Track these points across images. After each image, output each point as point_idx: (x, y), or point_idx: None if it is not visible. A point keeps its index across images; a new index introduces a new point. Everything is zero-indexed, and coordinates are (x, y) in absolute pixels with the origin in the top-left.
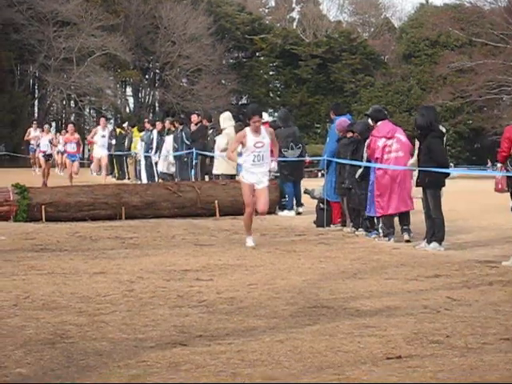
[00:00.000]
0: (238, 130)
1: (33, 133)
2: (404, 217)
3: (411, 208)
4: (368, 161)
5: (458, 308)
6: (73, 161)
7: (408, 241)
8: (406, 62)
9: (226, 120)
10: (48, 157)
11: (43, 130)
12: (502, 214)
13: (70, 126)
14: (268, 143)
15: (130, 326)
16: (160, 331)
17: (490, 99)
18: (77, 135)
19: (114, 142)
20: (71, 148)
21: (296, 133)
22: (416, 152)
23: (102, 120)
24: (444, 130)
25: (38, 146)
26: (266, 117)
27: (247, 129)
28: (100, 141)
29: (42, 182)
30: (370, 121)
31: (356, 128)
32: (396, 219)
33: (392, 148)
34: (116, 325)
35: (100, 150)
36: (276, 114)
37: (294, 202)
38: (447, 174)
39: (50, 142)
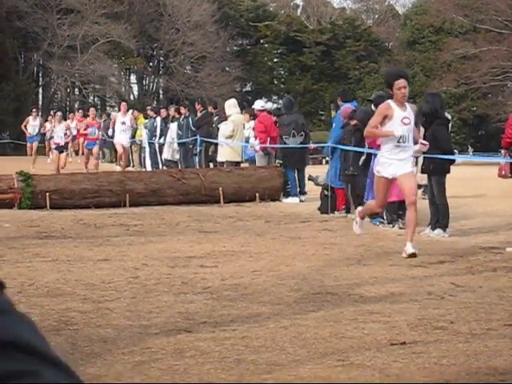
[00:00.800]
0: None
1: (31, 121)
2: (402, 204)
3: None
4: (370, 147)
5: (462, 294)
6: (89, 149)
7: (402, 228)
8: (410, 49)
9: (231, 107)
10: (62, 149)
11: (47, 120)
12: (506, 200)
13: (92, 110)
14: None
15: (135, 313)
16: (164, 318)
17: (494, 86)
18: (98, 120)
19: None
20: (92, 133)
21: (299, 120)
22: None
23: (123, 105)
24: (449, 117)
25: (52, 138)
26: (259, 104)
27: (390, 101)
28: (119, 127)
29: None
30: (373, 107)
31: (357, 115)
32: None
33: None
34: (120, 311)
35: (120, 138)
36: (281, 101)
37: (298, 189)
38: (452, 161)
39: (66, 133)
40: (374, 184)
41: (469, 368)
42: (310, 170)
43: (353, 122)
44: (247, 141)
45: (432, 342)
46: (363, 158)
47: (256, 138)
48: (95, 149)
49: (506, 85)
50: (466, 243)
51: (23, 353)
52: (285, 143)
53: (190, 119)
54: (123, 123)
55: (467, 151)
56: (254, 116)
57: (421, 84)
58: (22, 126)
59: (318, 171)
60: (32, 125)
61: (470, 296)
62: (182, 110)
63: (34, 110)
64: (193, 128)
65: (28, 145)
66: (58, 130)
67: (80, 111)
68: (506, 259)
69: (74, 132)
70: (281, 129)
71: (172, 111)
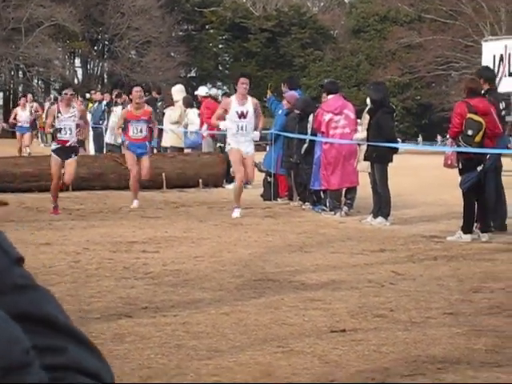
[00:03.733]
0: (186, 102)
1: (20, 112)
2: (349, 191)
3: (355, 184)
4: (314, 134)
5: (403, 282)
6: (22, 133)
7: (346, 214)
8: (355, 37)
9: (179, 92)
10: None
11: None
12: (448, 190)
13: (23, 99)
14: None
15: (76, 298)
16: (105, 303)
17: (438, 75)
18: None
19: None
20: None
21: None
22: (364, 127)
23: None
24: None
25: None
26: (203, 91)
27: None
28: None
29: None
30: (324, 94)
31: (297, 106)
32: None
33: (339, 124)
34: (61, 296)
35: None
36: (225, 87)
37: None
38: (395, 150)
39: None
40: (319, 171)
41: (408, 356)
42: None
43: (297, 110)
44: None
45: (372, 330)
46: (305, 145)
47: (202, 124)
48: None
49: (450, 74)
50: (407, 232)
51: (51, 328)
52: None
53: None
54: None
55: (417, 141)
56: (191, 105)
57: (365, 72)
58: (11, 120)
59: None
60: (22, 115)
61: (410, 284)
62: (124, 96)
63: (22, 98)
64: None
65: (18, 135)
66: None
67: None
68: (446, 248)
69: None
70: None
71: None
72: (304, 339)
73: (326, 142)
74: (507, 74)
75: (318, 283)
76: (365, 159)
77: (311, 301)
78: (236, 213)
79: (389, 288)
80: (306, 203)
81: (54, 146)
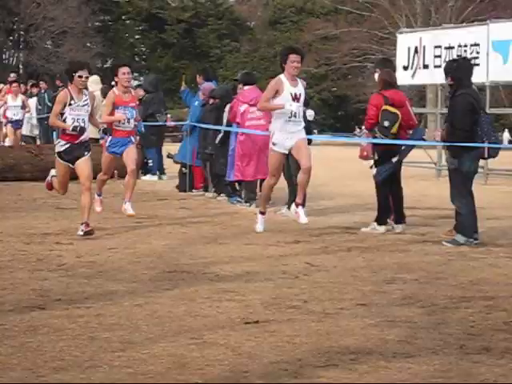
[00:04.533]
0: (105, 92)
1: (11, 102)
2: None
3: None
4: (229, 125)
5: (317, 274)
6: None
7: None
8: (272, 29)
9: (94, 83)
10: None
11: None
12: (363, 182)
13: None
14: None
15: None
16: (18, 294)
17: (354, 67)
18: None
19: None
20: None
21: (162, 98)
22: None
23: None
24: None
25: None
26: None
27: (282, 75)
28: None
29: None
30: (240, 85)
31: (216, 93)
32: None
33: (254, 115)
34: None
35: None
36: (142, 78)
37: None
38: (309, 141)
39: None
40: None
41: (321, 347)
42: (169, 148)
43: (211, 101)
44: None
45: (285, 321)
46: (220, 135)
47: None
48: None
49: (366, 66)
50: (322, 223)
51: None
52: (156, 121)
53: (47, 94)
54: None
55: (353, 132)
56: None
57: None
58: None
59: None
60: (13, 106)
61: (324, 276)
62: (42, 85)
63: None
64: (49, 104)
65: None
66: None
67: None
68: (361, 239)
69: None
70: (151, 106)
71: (29, 86)
72: (217, 331)
73: (241, 134)
74: (422, 66)
75: (233, 275)
76: None
77: (225, 292)
78: (260, 226)
79: (303, 279)
80: (221, 195)
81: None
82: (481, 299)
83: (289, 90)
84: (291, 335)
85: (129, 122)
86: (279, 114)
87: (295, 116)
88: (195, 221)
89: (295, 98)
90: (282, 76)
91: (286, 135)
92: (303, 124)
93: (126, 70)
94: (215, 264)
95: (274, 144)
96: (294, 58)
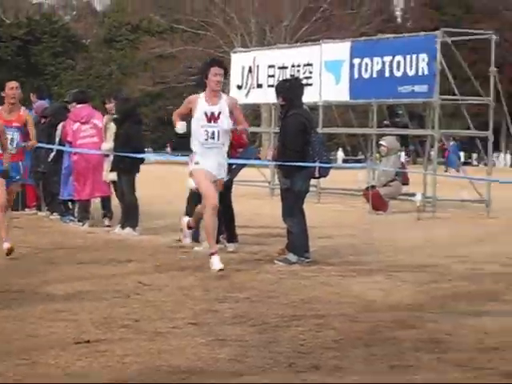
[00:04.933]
0: None
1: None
2: (105, 203)
3: (107, 193)
4: (62, 144)
5: (149, 293)
6: None
7: (108, 226)
8: (108, 47)
9: None
10: None
11: None
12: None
13: None
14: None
15: None
16: None
17: (189, 85)
18: None
19: None
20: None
21: None
22: (110, 137)
23: None
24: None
25: None
26: None
27: (201, 93)
28: None
29: None
30: (74, 104)
31: (48, 112)
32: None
33: (87, 133)
34: None
35: None
36: None
37: None
38: (142, 160)
39: None
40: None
41: (152, 366)
42: None
43: (43, 120)
44: None
45: (116, 341)
46: (53, 154)
47: None
48: None
49: None
50: (155, 242)
51: None
52: None
53: None
54: None
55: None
56: None
57: (117, 82)
58: None
59: None
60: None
61: (156, 295)
62: None
63: None
64: None
65: None
66: None
67: None
68: (192, 258)
69: None
70: None
71: None
72: (48, 351)
73: (75, 153)
74: (256, 86)
75: (65, 294)
76: (111, 170)
77: (58, 312)
78: (216, 263)
79: (135, 298)
80: (54, 213)
81: None
82: (312, 317)
83: (203, 109)
84: (122, 355)
85: (11, 144)
86: (194, 133)
87: (213, 138)
88: (28, 240)
89: (212, 118)
90: (201, 94)
91: (206, 158)
92: (226, 148)
93: (14, 84)
94: (48, 283)
95: (196, 163)
96: (217, 71)
